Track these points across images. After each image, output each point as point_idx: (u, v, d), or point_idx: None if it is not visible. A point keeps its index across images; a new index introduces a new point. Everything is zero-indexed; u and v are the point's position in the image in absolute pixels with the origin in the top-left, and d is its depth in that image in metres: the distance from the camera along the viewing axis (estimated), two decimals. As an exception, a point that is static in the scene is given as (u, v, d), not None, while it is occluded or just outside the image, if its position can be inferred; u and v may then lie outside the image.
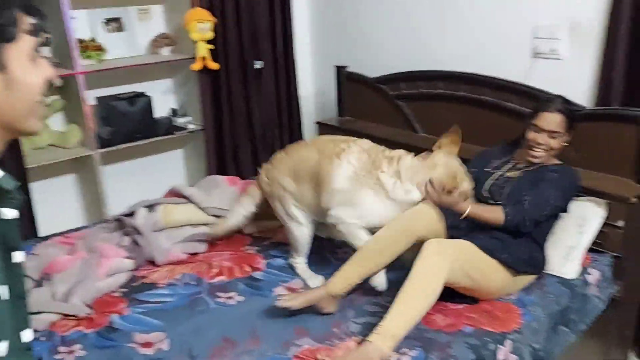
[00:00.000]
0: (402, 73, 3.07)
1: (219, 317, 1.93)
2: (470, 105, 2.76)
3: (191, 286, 2.14)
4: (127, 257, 2.22)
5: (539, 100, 2.32)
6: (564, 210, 2.11)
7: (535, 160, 2.13)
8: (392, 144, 2.92)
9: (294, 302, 1.85)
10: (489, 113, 2.69)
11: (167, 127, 3.31)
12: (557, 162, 2.18)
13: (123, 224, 2.40)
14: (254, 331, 1.84)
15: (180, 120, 3.44)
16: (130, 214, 2.44)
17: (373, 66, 3.28)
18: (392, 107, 3.13)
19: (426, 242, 1.86)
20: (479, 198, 2.16)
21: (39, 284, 2.03)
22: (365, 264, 1.93)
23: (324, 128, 3.39)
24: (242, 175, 3.47)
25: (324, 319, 1.91)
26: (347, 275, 1.92)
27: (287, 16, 3.52)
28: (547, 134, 2.08)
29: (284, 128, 3.68)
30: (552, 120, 2.08)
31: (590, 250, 2.21)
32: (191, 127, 3.41)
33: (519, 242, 2.02)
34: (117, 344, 1.78)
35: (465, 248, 1.91)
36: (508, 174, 2.18)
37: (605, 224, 2.19)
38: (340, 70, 3.37)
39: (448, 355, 1.70)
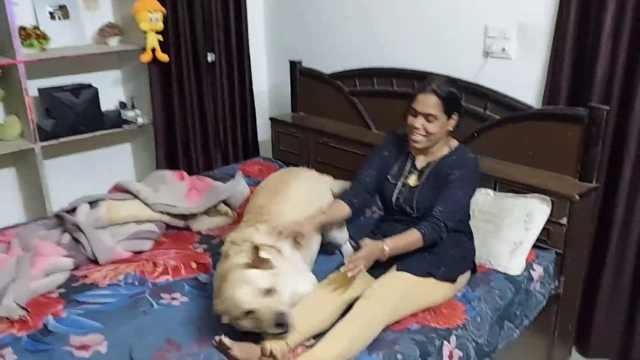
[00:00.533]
0: (358, 69, 3.06)
1: (162, 318, 1.86)
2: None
3: (134, 286, 2.06)
4: (67, 256, 2.12)
5: (484, 96, 2.36)
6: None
7: (417, 146, 2.01)
8: (346, 141, 2.95)
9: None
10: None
11: (114, 120, 3.19)
12: (451, 146, 2.06)
13: (63, 220, 2.29)
14: (199, 333, 1.79)
15: (129, 114, 3.32)
16: (72, 210, 2.33)
17: (328, 62, 3.25)
18: (347, 104, 3.11)
19: (364, 294, 1.82)
20: (391, 211, 2.12)
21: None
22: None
23: (277, 124, 3.35)
24: (192, 170, 3.40)
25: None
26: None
27: (241, 8, 3.46)
28: (423, 117, 1.96)
29: (237, 123, 3.61)
30: (426, 102, 1.95)
31: (534, 246, 2.25)
32: (140, 120, 3.30)
33: (447, 245, 1.99)
34: (51, 347, 1.69)
35: (400, 288, 1.86)
36: (410, 182, 2.07)
37: (548, 221, 2.24)
38: (294, 65, 3.33)
39: (394, 352, 1.69)
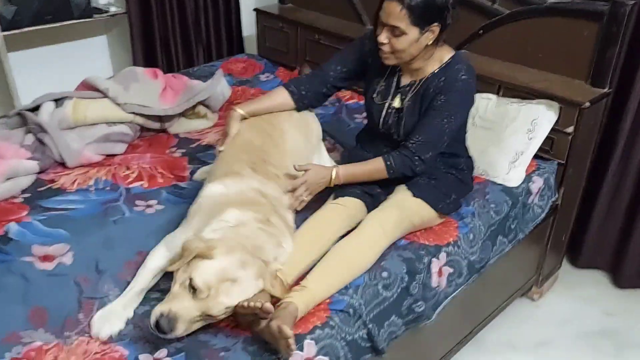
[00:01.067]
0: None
1: (134, 228, 1.73)
2: None
3: (105, 192, 1.92)
4: (30, 158, 1.96)
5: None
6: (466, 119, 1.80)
7: (387, 63, 1.69)
8: (337, 37, 2.69)
9: None
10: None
11: (83, 9, 2.88)
12: (442, 59, 1.70)
13: (26, 120, 2.10)
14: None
15: (100, 2, 3.01)
16: (35, 109, 2.13)
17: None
18: (340, -5, 2.81)
19: (368, 216, 1.67)
20: (378, 132, 1.84)
21: None
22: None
23: (262, 16, 3.06)
24: (173, 67, 3.16)
25: None
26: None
27: None
28: (388, 30, 1.61)
29: (220, 14, 3.30)
30: (389, 11, 1.58)
31: (535, 156, 2.10)
32: (113, 9, 3.00)
33: (448, 175, 1.82)
34: (11, 257, 1.56)
35: (414, 215, 1.71)
36: (395, 104, 1.77)
37: (553, 130, 2.07)
38: (283, -51, 2.98)
39: (379, 269, 1.60)
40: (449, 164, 1.83)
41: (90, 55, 3.24)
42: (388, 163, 1.69)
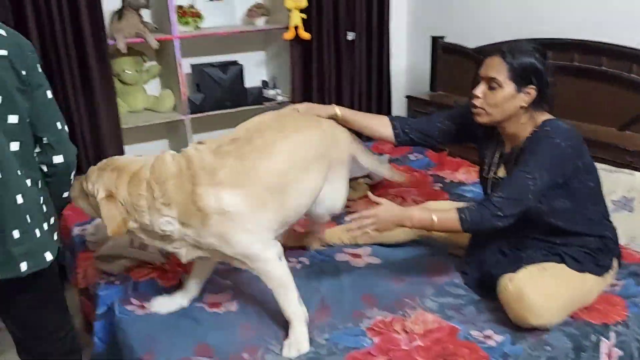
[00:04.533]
0: (506, 42, 2.82)
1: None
2: (585, 77, 2.48)
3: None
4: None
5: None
6: (569, 179, 1.61)
7: (477, 120, 1.66)
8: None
9: None
10: (607, 86, 2.40)
11: (256, 97, 3.31)
12: (537, 122, 1.63)
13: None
14: (322, 300, 1.76)
15: (270, 92, 3.43)
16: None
17: (473, 36, 3.06)
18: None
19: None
20: None
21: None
22: None
23: (414, 102, 3.23)
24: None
25: (393, 288, 1.81)
26: None
27: (384, -15, 3.39)
28: (485, 83, 1.61)
29: (373, 102, 3.56)
30: (490, 64, 1.60)
31: None
32: (280, 98, 3.39)
33: (576, 242, 1.69)
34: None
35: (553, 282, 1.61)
36: (500, 175, 1.74)
37: None
38: (436, 40, 3.17)
39: (542, 342, 1.50)
40: (577, 244, 1.69)
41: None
42: (462, 216, 1.57)
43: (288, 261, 1.92)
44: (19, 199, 1.35)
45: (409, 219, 1.60)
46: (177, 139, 3.23)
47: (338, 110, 1.87)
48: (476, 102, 1.64)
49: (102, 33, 2.69)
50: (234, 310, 1.72)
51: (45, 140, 1.42)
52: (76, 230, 2.21)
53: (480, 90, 1.63)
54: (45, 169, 1.45)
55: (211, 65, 3.17)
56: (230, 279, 1.87)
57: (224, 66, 3.17)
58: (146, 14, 2.98)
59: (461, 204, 1.67)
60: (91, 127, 2.80)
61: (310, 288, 1.80)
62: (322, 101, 3.40)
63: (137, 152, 3.18)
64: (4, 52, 1.31)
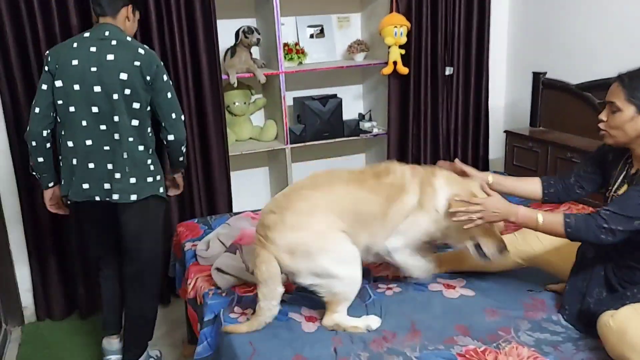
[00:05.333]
0: (609, 78, 2.75)
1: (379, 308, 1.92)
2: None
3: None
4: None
5: None
6: None
7: (606, 142, 1.75)
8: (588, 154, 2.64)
9: None
10: None
11: (353, 129, 3.44)
12: None
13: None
14: (413, 324, 1.79)
15: (366, 125, 3.54)
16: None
17: (574, 72, 3.01)
18: (595, 117, 2.80)
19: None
20: None
21: (231, 249, 2.21)
22: None
23: (512, 137, 3.20)
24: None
25: (487, 320, 1.82)
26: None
27: (484, 21, 3.44)
28: (608, 107, 1.70)
29: (469, 137, 3.56)
30: (610, 89, 1.70)
31: None
32: (376, 130, 3.49)
33: None
34: (284, 318, 1.85)
35: None
36: (620, 193, 1.76)
37: None
38: (537, 76, 3.15)
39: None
40: None
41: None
42: (567, 221, 1.64)
43: (378, 287, 2.02)
44: (125, 155, 2.08)
45: (514, 215, 1.72)
46: (278, 168, 3.43)
47: (491, 178, 1.98)
48: (600, 125, 1.74)
49: (217, 68, 2.96)
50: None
51: (163, 124, 2.14)
52: (188, 245, 2.42)
53: (603, 114, 1.73)
54: (165, 142, 2.17)
55: (312, 98, 3.35)
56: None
57: (324, 99, 3.34)
58: (255, 51, 3.24)
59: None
60: (202, 152, 3.05)
61: (400, 314, 1.85)
62: (418, 134, 3.46)
63: (241, 178, 3.45)
64: (137, 63, 2.05)
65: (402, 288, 2.03)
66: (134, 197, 2.11)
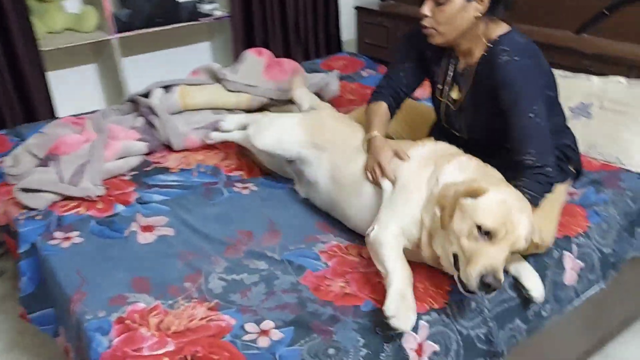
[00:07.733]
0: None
1: (233, 206, 1.71)
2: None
3: (206, 175, 1.91)
4: (140, 140, 2.00)
5: None
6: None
7: (434, 42, 1.51)
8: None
9: None
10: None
11: (190, 13, 3.02)
12: (490, 38, 1.48)
13: (137, 106, 2.17)
14: (272, 224, 1.62)
15: (205, 7, 3.13)
16: (146, 95, 2.20)
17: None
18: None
19: None
20: (444, 127, 1.69)
21: (44, 163, 1.84)
22: None
23: (363, 13, 3.02)
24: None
25: None
26: None
27: None
28: (432, 0, 1.45)
29: (319, 16, 3.31)
30: None
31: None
32: (218, 13, 3.10)
33: None
34: (118, 235, 1.58)
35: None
36: (454, 96, 1.59)
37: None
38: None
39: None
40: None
41: (194, 61, 3.36)
42: (529, 197, 1.35)
43: (234, 186, 1.81)
44: None
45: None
46: (107, 63, 2.93)
47: (377, 133, 1.60)
48: (425, 22, 1.48)
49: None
50: (172, 234, 1.57)
51: None
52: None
53: (427, 8, 1.46)
54: None
55: (137, -24, 2.83)
56: (170, 204, 1.70)
57: (151, -24, 2.84)
58: None
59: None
60: (4, 50, 2.49)
61: (257, 212, 1.67)
62: (264, 15, 3.14)
63: (62, 79, 2.91)
64: None
65: (258, 187, 1.83)
66: None
